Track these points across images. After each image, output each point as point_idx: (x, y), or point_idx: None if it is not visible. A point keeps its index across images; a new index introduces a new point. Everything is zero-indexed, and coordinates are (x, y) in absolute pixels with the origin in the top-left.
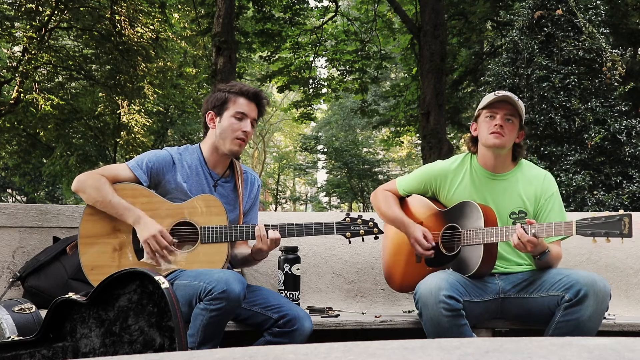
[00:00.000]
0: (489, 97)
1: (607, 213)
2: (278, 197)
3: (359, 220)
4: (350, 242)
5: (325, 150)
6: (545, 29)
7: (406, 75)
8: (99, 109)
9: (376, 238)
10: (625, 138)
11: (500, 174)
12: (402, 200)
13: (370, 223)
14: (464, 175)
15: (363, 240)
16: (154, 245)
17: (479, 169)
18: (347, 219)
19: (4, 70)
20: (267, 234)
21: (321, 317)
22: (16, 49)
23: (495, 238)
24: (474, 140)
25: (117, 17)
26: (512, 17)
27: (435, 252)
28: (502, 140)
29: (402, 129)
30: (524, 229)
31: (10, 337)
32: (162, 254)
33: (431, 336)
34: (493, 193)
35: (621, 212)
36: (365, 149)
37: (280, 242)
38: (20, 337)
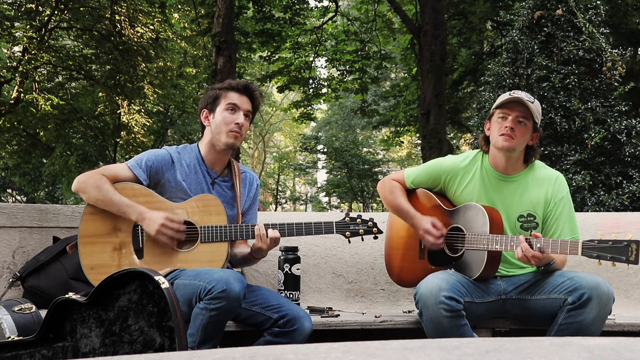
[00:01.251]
0: (503, 97)
1: (614, 237)
2: (278, 197)
3: (358, 220)
4: (349, 241)
5: (325, 150)
6: (545, 29)
7: (406, 75)
8: (99, 109)
9: (375, 238)
10: (625, 138)
11: (510, 175)
12: (408, 194)
13: (370, 223)
14: (474, 175)
15: (362, 239)
16: (168, 232)
17: (490, 169)
18: (347, 218)
19: (4, 70)
20: (267, 233)
21: (321, 317)
22: (16, 49)
23: (500, 247)
24: (487, 139)
25: (117, 17)
26: (512, 17)
27: (439, 252)
28: (512, 143)
29: (402, 129)
30: (529, 243)
31: (10, 337)
32: (179, 236)
33: (431, 336)
34: (502, 195)
35: (630, 237)
36: (365, 149)
37: (279, 241)
38: (20, 337)
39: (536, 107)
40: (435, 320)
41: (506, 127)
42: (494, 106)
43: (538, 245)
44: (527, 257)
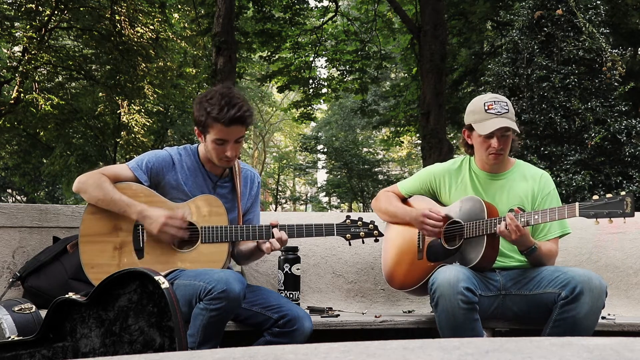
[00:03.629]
0: (485, 124)
1: (609, 195)
2: (278, 197)
3: (359, 222)
4: (350, 244)
5: (325, 150)
6: (545, 29)
7: (406, 75)
8: (99, 109)
9: (376, 241)
10: (625, 138)
11: (498, 173)
12: (404, 201)
13: (371, 225)
14: (463, 177)
15: (363, 242)
16: (170, 231)
17: (478, 170)
18: (348, 220)
19: (4, 70)
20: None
21: (321, 317)
22: (16, 49)
23: (498, 227)
24: (469, 145)
25: (117, 17)
26: (512, 17)
27: (437, 247)
28: (501, 159)
29: (402, 129)
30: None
31: (10, 337)
32: (182, 234)
33: (443, 329)
34: (492, 192)
35: (623, 193)
36: (365, 149)
37: (287, 242)
38: (20, 337)
39: (512, 112)
40: (451, 312)
41: (494, 147)
42: (471, 120)
43: (522, 219)
44: (508, 231)
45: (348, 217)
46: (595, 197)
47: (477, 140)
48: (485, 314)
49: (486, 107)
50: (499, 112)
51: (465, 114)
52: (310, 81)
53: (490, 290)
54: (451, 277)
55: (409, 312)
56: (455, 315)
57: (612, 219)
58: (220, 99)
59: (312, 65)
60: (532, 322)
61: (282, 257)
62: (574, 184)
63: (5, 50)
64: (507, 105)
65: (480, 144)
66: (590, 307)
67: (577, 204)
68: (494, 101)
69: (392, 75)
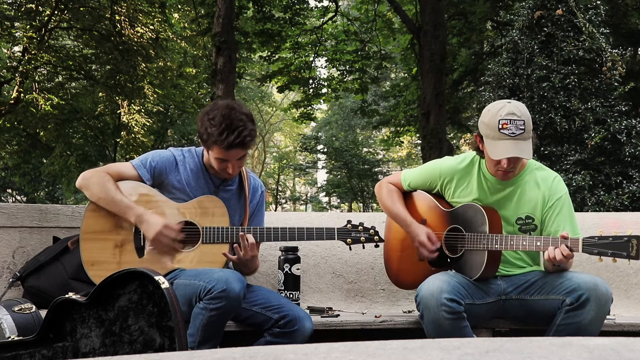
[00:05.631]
0: (496, 145)
1: (615, 232)
2: (278, 197)
3: (360, 227)
4: (350, 248)
5: (325, 150)
6: (545, 29)
7: (406, 75)
8: (99, 109)
9: (377, 246)
10: (625, 138)
11: (508, 180)
12: (406, 195)
13: (372, 230)
14: (472, 178)
15: (364, 247)
16: (164, 240)
17: (488, 175)
18: (349, 225)
19: (4, 70)
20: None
21: (321, 317)
22: (16, 49)
23: (500, 246)
24: (481, 150)
25: (117, 17)
26: (512, 17)
27: (439, 253)
28: (510, 176)
29: (402, 129)
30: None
31: (10, 337)
32: (174, 246)
33: (432, 338)
34: (500, 199)
35: (630, 232)
36: (365, 149)
37: (255, 246)
38: (20, 337)
39: (528, 130)
40: (437, 322)
41: (503, 166)
42: (483, 132)
43: (570, 245)
44: (556, 259)
45: (349, 221)
46: (601, 231)
47: (487, 153)
48: (484, 319)
49: (500, 126)
50: (513, 133)
51: (479, 119)
52: (310, 81)
53: (490, 296)
54: (434, 288)
55: (409, 312)
56: (441, 325)
57: (616, 259)
58: (221, 121)
59: (312, 65)
60: (533, 324)
61: (282, 257)
62: (574, 184)
63: (5, 50)
64: (523, 124)
65: (490, 160)
66: (595, 314)
67: (580, 239)
68: (510, 119)
69: (392, 75)
